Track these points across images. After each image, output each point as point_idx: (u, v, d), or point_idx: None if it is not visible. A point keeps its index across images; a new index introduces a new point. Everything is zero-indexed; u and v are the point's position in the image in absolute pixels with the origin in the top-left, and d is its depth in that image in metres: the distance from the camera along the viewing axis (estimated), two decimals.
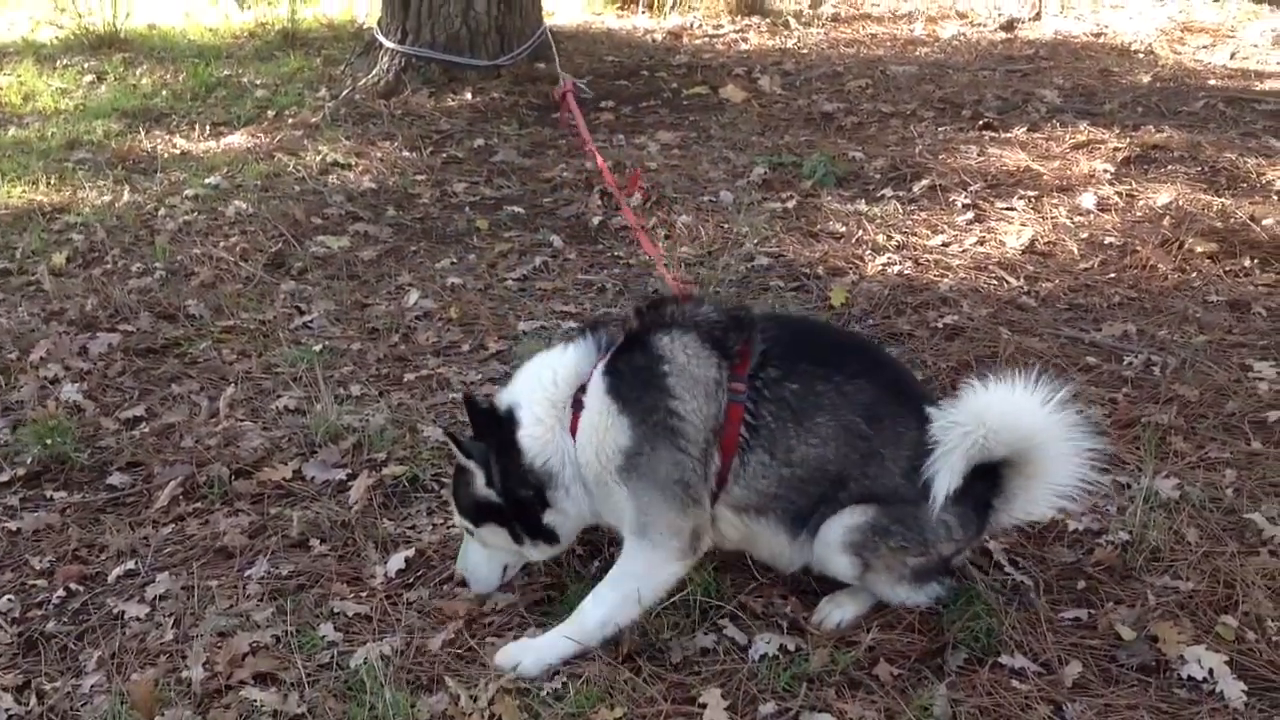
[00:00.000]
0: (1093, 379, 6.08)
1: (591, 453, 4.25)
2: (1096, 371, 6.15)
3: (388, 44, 10.98)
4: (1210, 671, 4.09)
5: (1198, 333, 6.49)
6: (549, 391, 4.36)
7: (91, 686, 4.22)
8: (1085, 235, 7.84)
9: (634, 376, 4.25)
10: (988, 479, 4.34)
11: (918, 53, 12.40)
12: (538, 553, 4.47)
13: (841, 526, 4.29)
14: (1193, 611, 4.41)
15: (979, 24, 13.44)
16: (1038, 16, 13.48)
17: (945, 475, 4.19)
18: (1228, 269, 7.28)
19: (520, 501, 4.34)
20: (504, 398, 4.43)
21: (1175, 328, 6.56)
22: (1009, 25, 13.14)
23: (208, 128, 10.06)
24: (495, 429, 4.35)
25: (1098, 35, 12.79)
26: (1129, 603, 4.46)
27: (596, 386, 4.28)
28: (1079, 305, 6.93)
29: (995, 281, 7.27)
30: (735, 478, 4.30)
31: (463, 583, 4.56)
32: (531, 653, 4.14)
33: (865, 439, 4.32)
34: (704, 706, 4.02)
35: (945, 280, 7.29)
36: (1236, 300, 6.89)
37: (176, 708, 4.01)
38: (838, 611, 4.45)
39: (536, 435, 4.32)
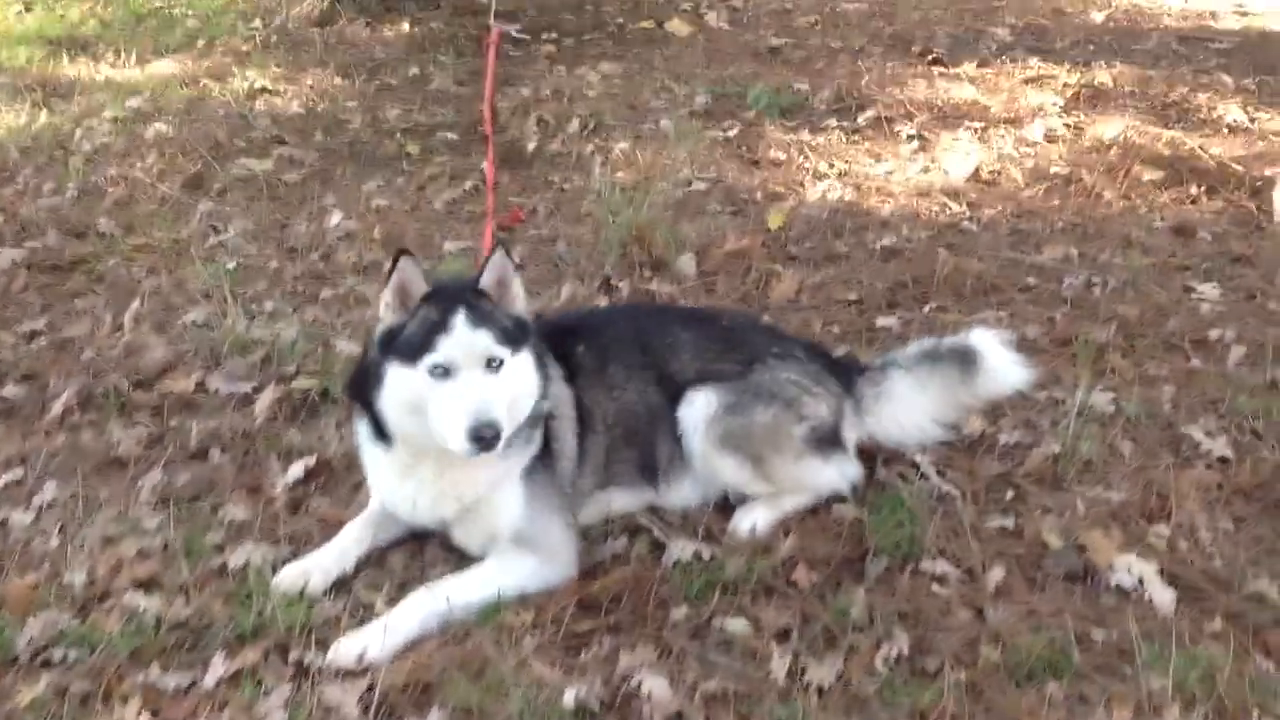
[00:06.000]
0: (1031, 298, 5.92)
1: None
2: (1035, 291, 5.98)
3: None
4: (1140, 580, 3.95)
5: (1141, 256, 6.31)
6: None
7: None
8: (1031, 164, 7.66)
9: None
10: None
11: None
12: (540, 396, 3.99)
13: (699, 428, 4.30)
14: (1124, 521, 4.27)
15: None
16: None
17: None
18: (1174, 196, 7.12)
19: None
20: None
21: (1118, 251, 6.39)
22: None
23: (134, 55, 9.72)
24: None
25: None
26: (1058, 512, 4.31)
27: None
28: (1021, 230, 6.75)
29: (937, 207, 7.08)
30: (579, 468, 4.27)
31: (493, 439, 3.68)
32: (375, 638, 3.67)
33: (649, 367, 4.40)
34: (610, 613, 3.85)
35: (886, 206, 7.10)
36: (1182, 225, 6.72)
37: (53, 610, 3.79)
38: (748, 518, 4.29)
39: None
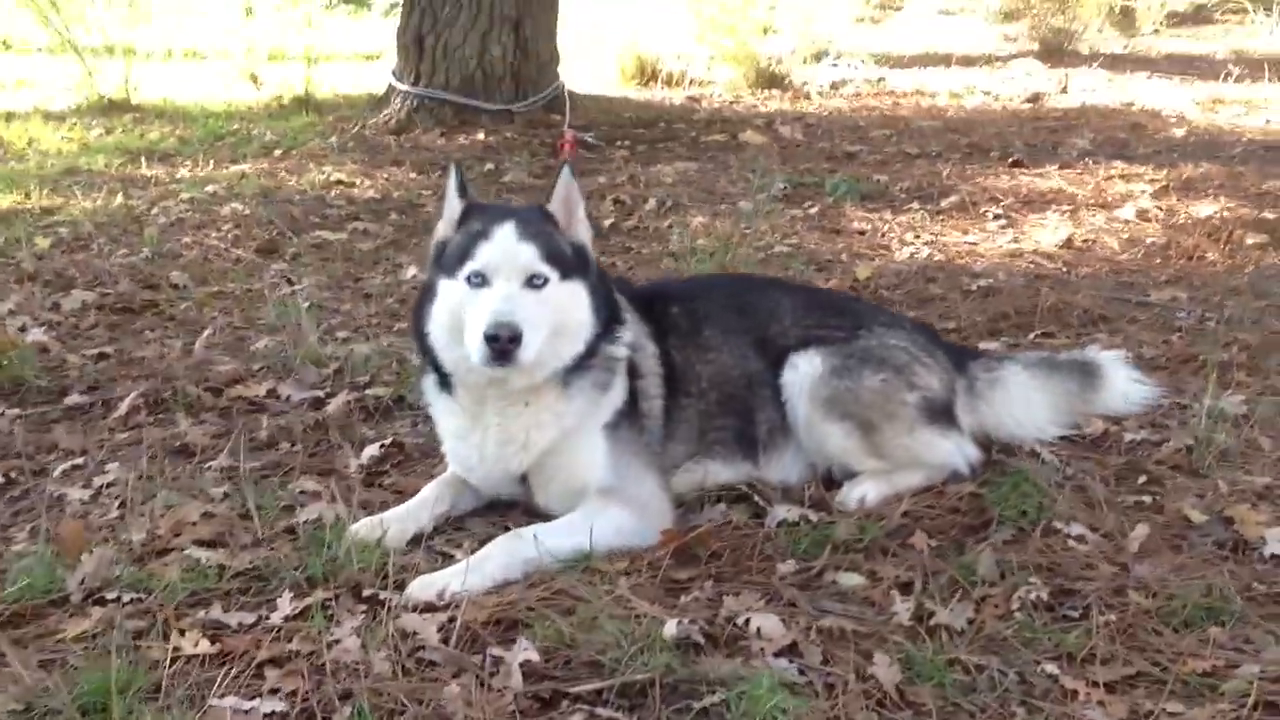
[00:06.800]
0: (1143, 327, 5.61)
1: None
2: (1146, 323, 5.67)
3: (400, 86, 10.74)
4: None
5: (1253, 300, 5.99)
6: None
7: (16, 553, 3.67)
8: (1126, 236, 7.40)
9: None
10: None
11: (943, 114, 12.09)
12: (594, 334, 3.68)
13: (803, 392, 4.00)
14: (1272, 500, 3.90)
15: (1004, 98, 13.10)
16: (1064, 90, 13.17)
17: None
18: None
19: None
20: None
21: (1228, 296, 6.06)
22: (1035, 97, 12.82)
23: (210, 163, 9.71)
24: None
25: (1127, 105, 12.46)
26: (1198, 493, 3.93)
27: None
28: (1124, 281, 6.45)
29: (1031, 265, 6.82)
30: (670, 433, 3.98)
31: (510, 342, 3.38)
32: (457, 575, 3.37)
33: (747, 330, 4.13)
34: (710, 563, 3.50)
35: (978, 263, 6.85)
36: None
37: (109, 548, 3.50)
38: (859, 489, 3.96)
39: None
